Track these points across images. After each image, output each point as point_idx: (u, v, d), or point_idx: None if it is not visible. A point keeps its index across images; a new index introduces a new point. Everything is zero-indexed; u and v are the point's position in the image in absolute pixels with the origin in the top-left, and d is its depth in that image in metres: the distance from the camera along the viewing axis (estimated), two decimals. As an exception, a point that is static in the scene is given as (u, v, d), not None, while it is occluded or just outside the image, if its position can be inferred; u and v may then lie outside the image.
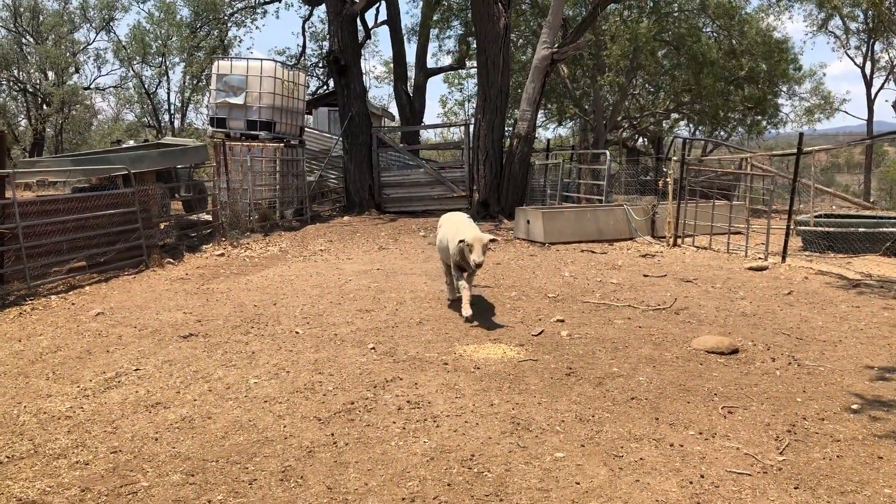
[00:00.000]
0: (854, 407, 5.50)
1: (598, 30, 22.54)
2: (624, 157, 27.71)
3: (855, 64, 31.18)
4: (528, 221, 14.74)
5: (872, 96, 30.59)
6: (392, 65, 31.60)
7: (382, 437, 4.97)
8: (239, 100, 17.73)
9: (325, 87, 34.22)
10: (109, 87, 51.43)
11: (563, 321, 8.11)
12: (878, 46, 30.50)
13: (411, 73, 31.63)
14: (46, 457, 4.68)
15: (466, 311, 7.93)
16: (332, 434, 5.01)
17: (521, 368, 6.42)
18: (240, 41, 39.91)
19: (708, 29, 23.67)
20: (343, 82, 21.08)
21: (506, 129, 21.47)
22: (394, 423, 5.21)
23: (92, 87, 50.21)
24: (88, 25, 48.47)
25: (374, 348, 7.04)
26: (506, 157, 20.24)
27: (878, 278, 10.18)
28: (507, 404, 5.57)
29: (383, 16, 30.29)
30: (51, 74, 45.81)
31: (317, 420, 5.26)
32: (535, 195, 20.90)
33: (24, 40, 46.28)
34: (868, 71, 30.93)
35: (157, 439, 4.93)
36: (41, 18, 46.31)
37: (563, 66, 25.16)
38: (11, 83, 46.14)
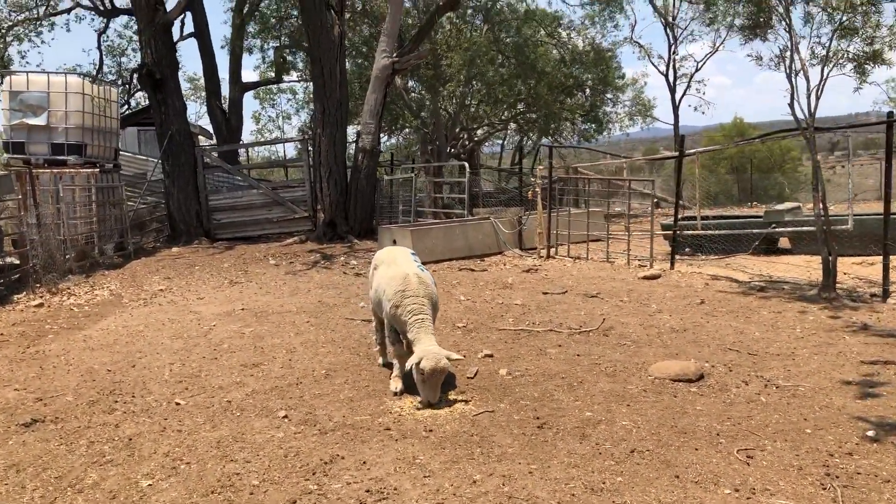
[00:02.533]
0: (870, 434, 4.87)
1: (433, 39, 21.88)
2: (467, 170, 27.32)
3: (659, 72, 32.88)
4: (395, 241, 13.61)
5: (677, 102, 32.35)
6: (203, 79, 29.34)
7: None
8: (40, 120, 15.17)
9: (126, 106, 31.08)
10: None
11: (491, 356, 7.06)
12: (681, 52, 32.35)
13: (225, 89, 29.55)
14: None
15: (395, 385, 6.07)
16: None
17: (482, 425, 5.28)
18: (23, 57, 35.31)
19: (539, 37, 23.77)
20: (160, 98, 18.84)
21: (347, 142, 20.25)
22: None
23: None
24: None
25: (286, 417, 5.60)
26: (351, 172, 19.01)
27: (774, 280, 10.05)
28: (493, 478, 4.41)
29: (189, 28, 27.71)
30: None
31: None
32: (384, 212, 19.82)
33: None
34: (671, 78, 32.70)
35: None
36: None
37: (398, 76, 24.30)
38: None
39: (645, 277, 10.54)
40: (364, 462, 4.71)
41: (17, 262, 12.00)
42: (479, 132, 26.51)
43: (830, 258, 8.98)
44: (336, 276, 12.29)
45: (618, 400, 5.70)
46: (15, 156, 15.28)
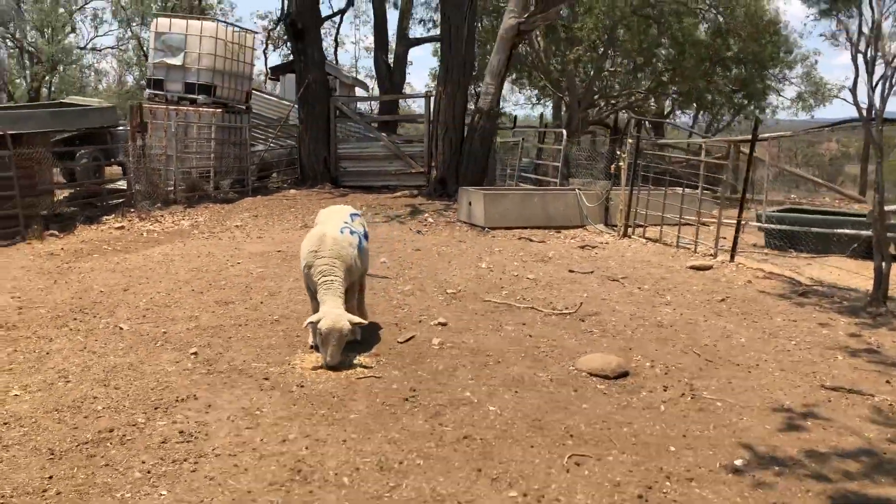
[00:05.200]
0: (738, 463, 4.36)
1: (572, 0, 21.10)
2: (608, 138, 26.30)
3: (857, 51, 29.55)
4: (470, 203, 13.56)
5: (874, 83, 29.02)
6: (374, 33, 30.37)
7: (112, 485, 3.86)
8: (177, 60, 16.47)
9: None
10: (107, 48, 49.85)
11: (445, 324, 6.96)
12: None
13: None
14: None
15: (311, 339, 6.13)
16: (51, 478, 3.89)
17: (355, 388, 5.29)
18: (219, 2, 38.19)
19: (696, 5, 22.17)
20: (300, 47, 19.74)
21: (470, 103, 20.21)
22: (142, 462, 4.10)
23: (88, 47, 48.58)
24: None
25: (195, 353, 5.91)
26: (466, 132, 19.01)
27: (829, 286, 9.00)
28: (305, 440, 4.45)
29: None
30: (47, 33, 44.31)
31: (48, 454, 4.14)
32: (497, 175, 19.69)
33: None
34: (870, 56, 29.34)
35: None
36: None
37: (539, 38, 23.76)
38: (8, 41, 44.83)
39: (692, 267, 9.79)
40: (209, 406, 4.91)
41: (124, 187, 13.25)
42: (620, 101, 25.33)
43: (884, 266, 7.89)
44: (398, 231, 12.49)
45: (514, 385, 5.47)
46: (155, 91, 16.75)
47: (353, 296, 6.58)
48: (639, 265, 10.04)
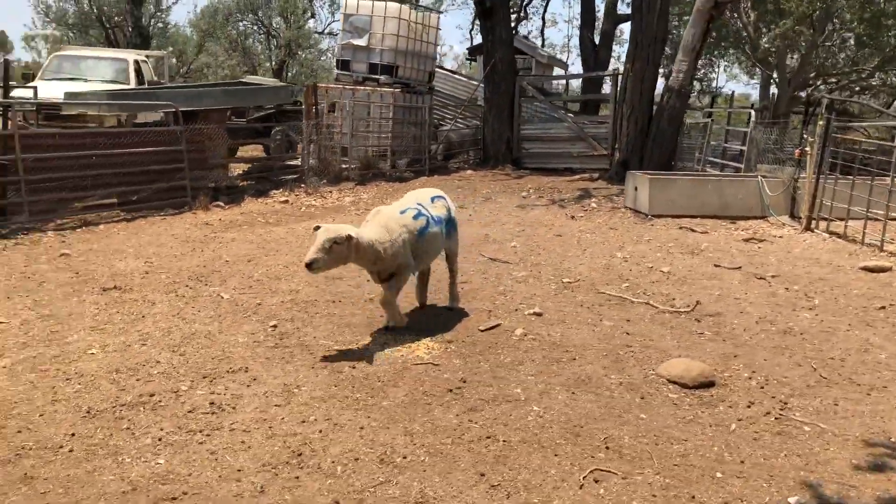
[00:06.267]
0: (790, 501, 3.66)
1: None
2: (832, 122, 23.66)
3: None
4: (636, 188, 12.77)
5: None
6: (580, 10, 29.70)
7: (120, 448, 4.02)
8: (362, 41, 17.09)
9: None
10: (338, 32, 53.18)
11: (540, 314, 6.57)
12: None
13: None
14: None
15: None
16: (73, 435, 4.13)
17: (406, 375, 5.13)
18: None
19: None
20: (487, 26, 19.71)
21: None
22: (160, 430, 4.24)
23: (325, 32, 52.01)
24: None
25: (275, 326, 6.05)
26: (655, 112, 17.94)
27: None
28: (324, 423, 4.37)
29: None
30: (290, 20, 48.10)
31: (84, 412, 4.40)
32: (687, 158, 18.43)
33: None
34: None
35: None
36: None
37: (749, 11, 21.81)
38: (256, 27, 49.37)
39: (864, 268, 8.45)
40: (255, 379, 4.99)
41: (298, 163, 13.98)
42: (843, 80, 22.48)
43: None
44: (550, 215, 12.06)
45: (575, 385, 5.02)
46: (342, 72, 17.51)
47: (426, 280, 6.58)
48: (801, 263, 8.87)
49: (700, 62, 21.76)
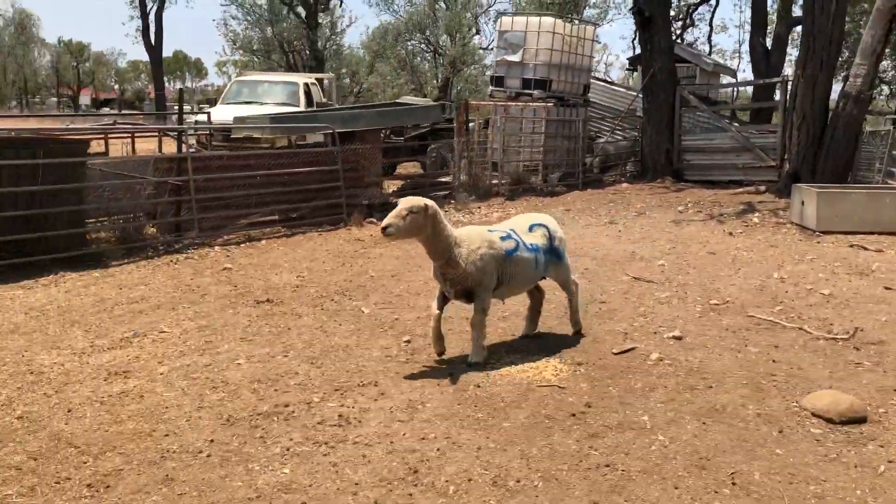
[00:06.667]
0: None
1: None
2: None
3: None
4: (803, 203, 11.97)
5: None
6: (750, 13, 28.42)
7: (251, 456, 4.28)
8: (516, 57, 17.23)
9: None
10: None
11: (679, 338, 6.32)
12: None
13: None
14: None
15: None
16: (212, 441, 4.44)
17: (529, 398, 5.10)
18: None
19: None
20: (646, 36, 19.28)
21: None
22: (290, 440, 4.47)
23: (489, 47, 52.76)
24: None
25: (408, 341, 6.22)
26: (829, 120, 16.72)
27: None
28: (442, 441, 4.44)
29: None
30: (455, 37, 49.42)
31: (224, 420, 4.72)
32: (865, 168, 17.05)
33: (437, 5, 50.76)
34: None
35: (73, 414, 4.84)
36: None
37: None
38: (423, 45, 51.19)
39: None
40: (383, 394, 5.16)
41: (449, 179, 14.29)
42: None
43: None
44: (707, 231, 11.54)
45: (706, 415, 4.79)
46: (496, 88, 17.71)
47: (537, 306, 6.36)
48: None
49: (883, 65, 20.05)
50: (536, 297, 6.39)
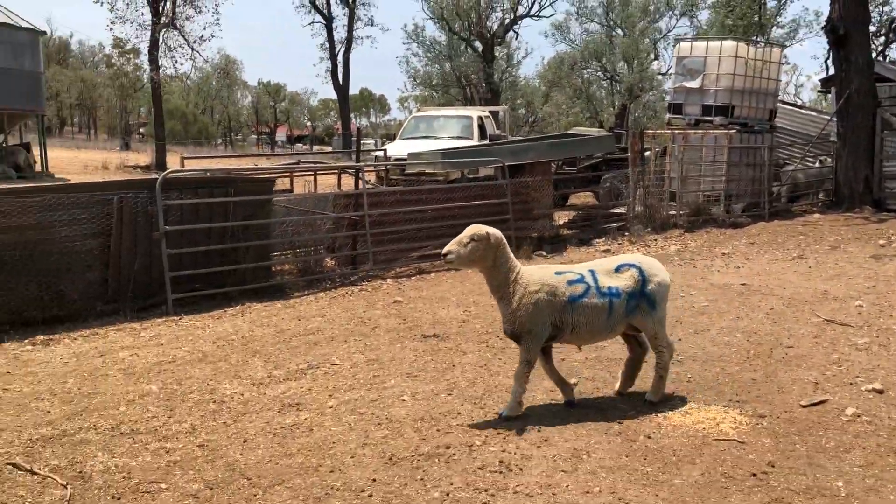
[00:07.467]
0: None
1: None
2: None
3: None
4: None
5: None
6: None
7: (410, 498, 4.26)
8: (695, 83, 16.57)
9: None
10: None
11: (881, 392, 5.67)
12: None
13: None
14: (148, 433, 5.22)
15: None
16: (374, 480, 4.48)
17: (704, 451, 4.74)
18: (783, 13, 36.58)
19: None
20: (841, 55, 17.92)
21: None
22: (450, 484, 4.40)
23: (668, 73, 51.45)
24: (671, 13, 49.76)
25: (575, 384, 5.98)
26: None
27: None
28: (608, 497, 4.21)
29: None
30: (633, 64, 48.73)
31: (387, 459, 4.75)
32: None
33: (614, 32, 50.48)
34: None
35: (249, 445, 5.07)
36: (628, 10, 49.46)
37: None
38: (600, 73, 50.93)
39: None
40: (546, 440, 4.99)
41: (623, 210, 13.90)
42: None
43: None
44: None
45: None
46: (674, 116, 17.11)
47: (635, 362, 5.77)
48: None
49: None
50: (637, 351, 5.73)
